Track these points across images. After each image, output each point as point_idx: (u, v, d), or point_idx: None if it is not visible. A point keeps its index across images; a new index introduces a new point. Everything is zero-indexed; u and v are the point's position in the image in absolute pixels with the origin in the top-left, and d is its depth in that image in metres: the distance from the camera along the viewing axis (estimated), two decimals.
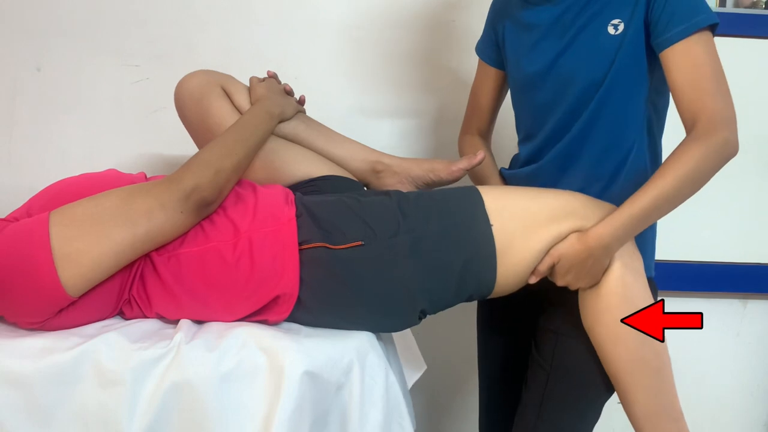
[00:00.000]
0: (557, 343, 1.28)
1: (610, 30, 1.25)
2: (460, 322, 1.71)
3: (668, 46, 1.18)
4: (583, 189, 1.27)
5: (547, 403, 1.28)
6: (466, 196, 1.22)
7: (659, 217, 1.20)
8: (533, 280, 1.21)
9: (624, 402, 1.21)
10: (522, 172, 1.41)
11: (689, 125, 1.17)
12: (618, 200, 1.18)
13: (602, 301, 1.19)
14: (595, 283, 1.19)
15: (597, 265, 1.17)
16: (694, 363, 2.03)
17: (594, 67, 1.27)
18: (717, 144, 1.13)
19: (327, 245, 1.14)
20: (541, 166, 1.36)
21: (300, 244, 1.14)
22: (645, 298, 1.19)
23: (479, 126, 1.56)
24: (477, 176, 1.50)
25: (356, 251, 1.14)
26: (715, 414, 2.09)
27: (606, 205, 1.21)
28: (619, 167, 1.30)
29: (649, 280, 1.26)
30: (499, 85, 1.52)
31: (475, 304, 1.51)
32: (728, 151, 1.15)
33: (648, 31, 1.22)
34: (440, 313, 1.23)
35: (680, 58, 1.18)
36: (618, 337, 1.18)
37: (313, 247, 1.14)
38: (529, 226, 1.19)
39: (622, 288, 1.18)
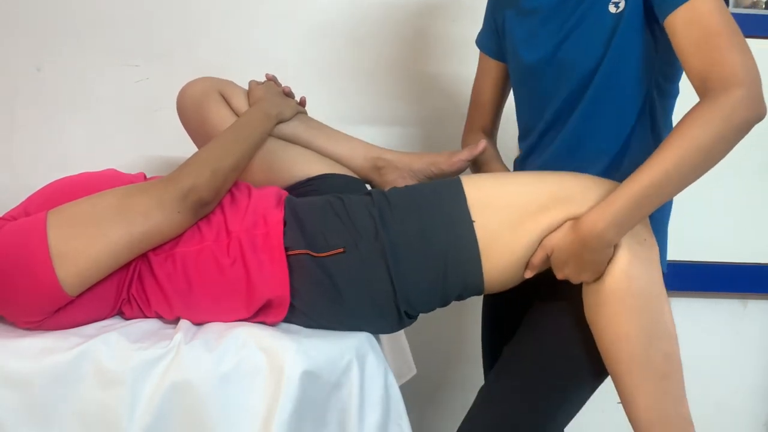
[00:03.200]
0: (541, 323, 1.20)
1: (611, 9, 1.15)
2: (458, 320, 1.71)
3: (670, 12, 1.05)
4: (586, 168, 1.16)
5: (527, 385, 1.17)
6: (447, 191, 1.16)
7: (667, 198, 1.07)
8: (528, 275, 1.13)
9: (624, 403, 1.12)
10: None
11: (701, 91, 1.02)
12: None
13: (604, 294, 1.09)
14: (599, 277, 1.09)
15: (595, 256, 1.06)
16: (693, 363, 2.03)
17: (594, 49, 1.17)
18: (728, 104, 0.98)
19: (310, 253, 1.13)
20: (546, 162, 1.28)
21: (286, 249, 1.13)
22: (655, 294, 1.09)
23: (482, 123, 1.48)
24: (480, 167, 1.43)
25: (337, 259, 1.12)
26: (715, 414, 2.09)
27: (610, 187, 1.09)
28: (623, 151, 1.20)
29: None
30: (501, 79, 1.43)
31: (472, 302, 1.49)
32: (745, 111, 0.98)
33: (647, 6, 1.12)
34: (438, 312, 1.22)
35: (683, 20, 1.04)
36: (619, 335, 1.08)
37: (297, 254, 1.13)
38: (517, 218, 1.11)
39: (626, 281, 1.08)
